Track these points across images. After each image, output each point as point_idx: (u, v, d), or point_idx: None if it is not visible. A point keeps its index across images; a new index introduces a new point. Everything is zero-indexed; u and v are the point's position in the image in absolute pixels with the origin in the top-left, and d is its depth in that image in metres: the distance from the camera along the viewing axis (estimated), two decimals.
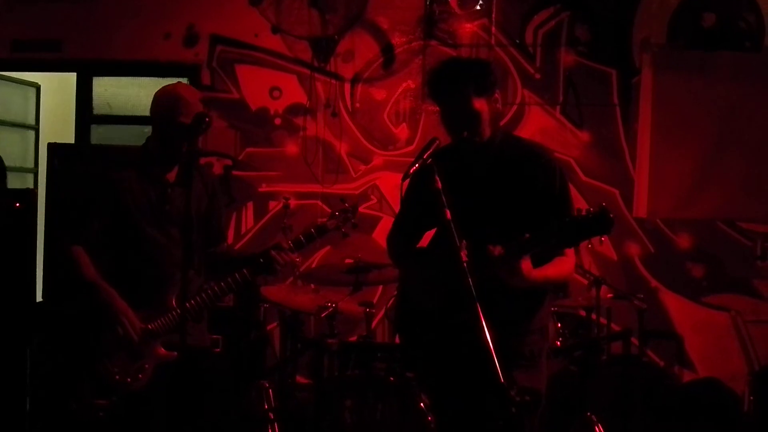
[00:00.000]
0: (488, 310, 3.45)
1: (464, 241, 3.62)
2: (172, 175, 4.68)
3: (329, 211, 7.57)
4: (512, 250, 3.64)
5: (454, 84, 3.98)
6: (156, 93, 4.71)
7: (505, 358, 3.38)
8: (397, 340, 5.81)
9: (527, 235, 3.64)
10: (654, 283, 7.48)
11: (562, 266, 3.95)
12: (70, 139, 8.26)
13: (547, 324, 4.21)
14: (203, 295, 4.62)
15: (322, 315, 5.87)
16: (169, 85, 4.75)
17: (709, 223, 7.43)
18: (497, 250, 3.64)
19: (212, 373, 4.89)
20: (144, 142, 4.82)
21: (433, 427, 5.16)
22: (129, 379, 4.52)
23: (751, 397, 6.76)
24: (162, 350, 4.54)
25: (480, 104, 3.93)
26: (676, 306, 7.48)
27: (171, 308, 4.56)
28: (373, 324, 6.41)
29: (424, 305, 4.02)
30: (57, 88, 9.41)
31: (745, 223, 7.43)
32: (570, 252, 3.96)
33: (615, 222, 3.47)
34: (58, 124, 9.13)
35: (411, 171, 3.74)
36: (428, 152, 3.80)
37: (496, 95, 4.01)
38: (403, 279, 4.44)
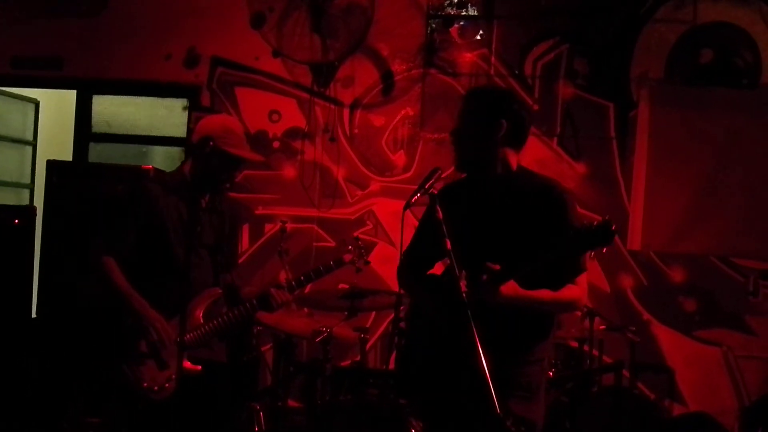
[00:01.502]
0: (488, 338, 3.47)
1: (464, 271, 3.65)
2: (205, 200, 4.82)
3: (325, 235, 7.65)
4: (511, 267, 3.67)
5: (478, 99, 4.09)
6: (203, 120, 4.85)
7: (502, 388, 3.40)
8: (391, 365, 5.87)
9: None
10: (646, 315, 7.50)
11: (564, 291, 3.90)
12: (68, 155, 8.28)
13: (548, 356, 4.20)
14: (230, 314, 4.77)
15: (317, 340, 5.87)
16: (218, 114, 4.95)
17: (703, 257, 7.46)
18: (495, 267, 3.68)
19: (226, 387, 5.06)
20: (179, 165, 4.94)
21: None
22: (156, 388, 4.57)
23: None
24: (188, 363, 4.59)
25: (503, 152, 4.00)
26: (667, 339, 7.49)
27: (200, 323, 4.70)
28: (367, 348, 6.44)
29: (426, 336, 4.05)
30: (56, 105, 9.42)
31: (739, 258, 7.45)
32: (582, 281, 3.95)
33: (617, 233, 3.52)
34: (56, 140, 9.14)
35: (412, 200, 3.81)
36: (430, 182, 3.85)
37: (512, 126, 4.00)
38: (413, 307, 4.49)
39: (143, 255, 4.67)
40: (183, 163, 4.91)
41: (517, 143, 4.03)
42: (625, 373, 6.74)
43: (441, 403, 3.97)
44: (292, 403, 6.90)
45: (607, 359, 6.85)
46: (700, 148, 7.42)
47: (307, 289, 7.49)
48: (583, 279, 3.98)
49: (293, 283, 5.00)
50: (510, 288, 3.69)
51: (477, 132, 4.00)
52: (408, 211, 4.01)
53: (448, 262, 4.01)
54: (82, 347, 5.86)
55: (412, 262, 4.40)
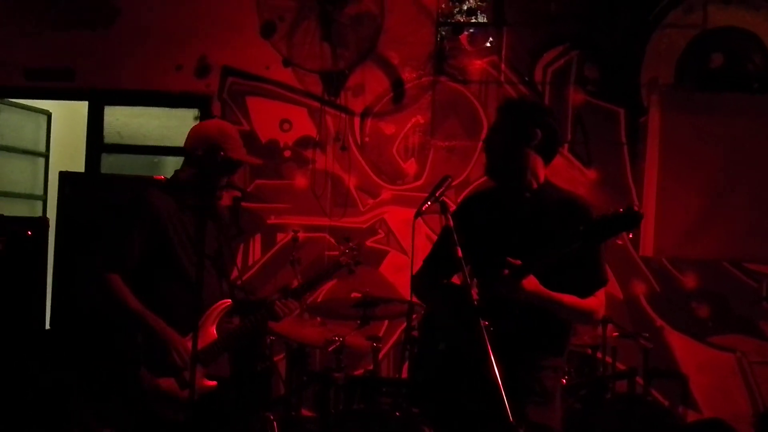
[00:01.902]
0: (502, 344, 3.49)
1: (475, 279, 3.66)
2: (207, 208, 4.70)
3: (336, 244, 7.64)
4: (532, 261, 3.71)
5: (514, 108, 4.14)
6: (199, 126, 4.80)
7: (517, 394, 3.42)
8: (404, 374, 5.86)
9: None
10: (659, 322, 7.48)
11: (583, 301, 3.93)
12: (80, 167, 8.31)
13: (563, 362, 4.20)
14: (242, 326, 4.74)
15: (330, 349, 5.88)
16: (211, 120, 4.88)
17: (715, 263, 7.44)
18: (516, 262, 3.71)
19: (230, 402, 4.94)
20: (173, 174, 4.84)
21: None
22: (174, 408, 4.51)
23: None
24: (206, 381, 4.57)
25: (533, 156, 4.03)
26: (681, 345, 7.47)
27: (214, 338, 4.62)
28: (380, 357, 6.43)
29: (438, 343, 4.06)
30: (68, 117, 9.46)
31: (751, 263, 7.43)
32: (600, 294, 3.98)
33: (642, 216, 3.55)
34: (68, 151, 9.17)
35: (423, 208, 3.83)
36: (440, 190, 3.87)
37: (545, 139, 4.05)
38: (425, 315, 4.50)
39: (148, 268, 4.56)
40: (179, 171, 4.80)
41: (547, 156, 4.09)
42: (639, 380, 6.72)
43: (453, 411, 3.97)
44: (305, 412, 6.89)
45: (620, 366, 6.82)
46: (711, 152, 7.40)
47: (319, 297, 7.58)
48: (601, 293, 4.02)
49: (296, 290, 4.90)
50: (531, 284, 3.73)
51: (511, 139, 4.04)
52: (420, 219, 4.02)
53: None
54: (97, 355, 5.81)
55: (430, 273, 4.39)
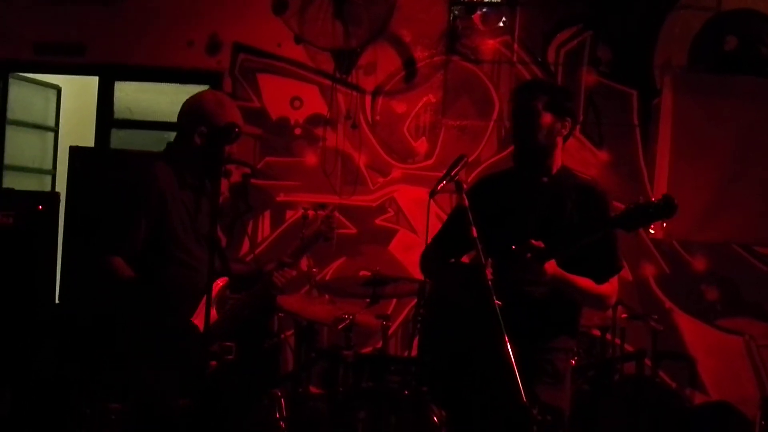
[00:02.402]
0: (515, 325, 3.49)
1: (490, 259, 3.66)
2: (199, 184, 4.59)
3: (346, 222, 7.65)
4: (556, 244, 3.74)
5: (530, 89, 4.21)
6: (192, 98, 4.66)
7: (529, 375, 3.43)
8: (414, 352, 5.85)
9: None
10: (668, 304, 7.48)
11: (599, 286, 4.00)
12: (89, 141, 8.29)
13: (573, 344, 4.24)
14: (241, 301, 4.66)
15: (339, 327, 5.87)
16: (203, 91, 4.74)
17: (725, 246, 7.43)
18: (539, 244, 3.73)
19: (236, 380, 4.90)
20: (166, 148, 4.65)
21: None
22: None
23: (763, 422, 6.75)
24: (213, 362, 4.46)
25: (545, 114, 4.04)
26: (689, 328, 7.47)
27: (216, 317, 4.49)
28: (388, 335, 6.43)
29: (449, 323, 4.06)
30: (78, 91, 9.43)
31: (761, 247, 7.43)
32: (614, 281, 4.06)
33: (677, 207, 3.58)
34: (78, 126, 9.15)
35: (438, 188, 3.82)
36: (456, 169, 3.86)
37: (567, 122, 4.10)
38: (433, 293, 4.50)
39: (152, 249, 4.40)
40: (171, 145, 4.63)
41: (565, 140, 4.16)
42: (647, 361, 6.71)
43: (465, 391, 3.98)
44: (313, 389, 6.90)
45: (628, 348, 6.82)
46: (724, 136, 7.38)
47: (328, 275, 7.57)
48: (615, 279, 4.10)
49: (288, 261, 4.76)
50: (552, 266, 3.77)
51: (548, 127, 4.07)
52: (432, 199, 4.01)
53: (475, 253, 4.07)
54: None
55: (439, 252, 4.39)
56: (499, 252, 3.77)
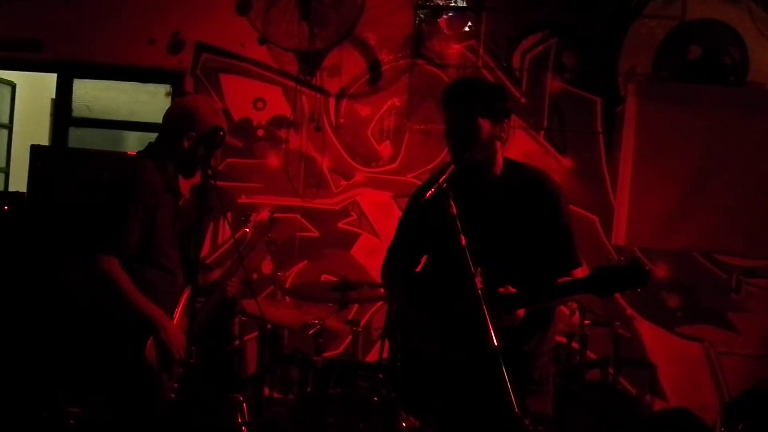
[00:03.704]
0: (503, 336, 3.45)
1: (479, 268, 3.61)
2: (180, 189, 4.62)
3: (309, 225, 7.60)
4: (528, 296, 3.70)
5: (464, 98, 3.97)
6: (177, 102, 4.64)
7: (515, 384, 3.38)
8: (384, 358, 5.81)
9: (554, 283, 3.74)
10: (630, 311, 7.53)
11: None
12: (44, 139, 8.16)
13: (554, 346, 4.23)
14: (205, 312, 4.66)
15: (310, 332, 5.82)
16: (189, 95, 4.72)
17: (686, 254, 7.50)
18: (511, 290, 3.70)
19: (197, 386, 4.82)
20: (145, 150, 4.59)
21: None
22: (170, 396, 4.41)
23: (723, 428, 6.82)
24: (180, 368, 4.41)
25: (483, 123, 3.92)
26: (650, 335, 7.54)
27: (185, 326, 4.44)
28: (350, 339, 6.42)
29: (429, 335, 4.02)
30: (32, 88, 9.28)
31: (722, 255, 7.50)
32: (585, 270, 3.98)
33: (650, 274, 3.51)
34: (32, 124, 9.02)
35: (427, 196, 3.71)
36: (444, 177, 3.78)
37: (504, 124, 3.99)
38: (400, 309, 4.44)
39: (137, 252, 4.36)
40: (161, 146, 4.57)
41: (493, 113, 3.99)
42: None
43: (454, 404, 3.95)
44: (275, 394, 6.85)
45: (590, 354, 6.85)
46: (687, 144, 7.43)
47: (288, 280, 7.50)
48: (578, 273, 4.00)
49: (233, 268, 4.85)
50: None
51: (485, 132, 3.95)
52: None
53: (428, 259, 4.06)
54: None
55: (399, 260, 4.31)
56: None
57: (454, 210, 3.67)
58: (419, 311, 4.12)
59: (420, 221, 4.14)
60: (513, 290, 3.71)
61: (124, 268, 4.30)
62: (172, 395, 4.38)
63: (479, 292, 3.51)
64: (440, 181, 3.74)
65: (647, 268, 3.51)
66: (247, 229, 5.29)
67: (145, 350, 4.32)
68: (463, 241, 3.60)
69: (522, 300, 3.70)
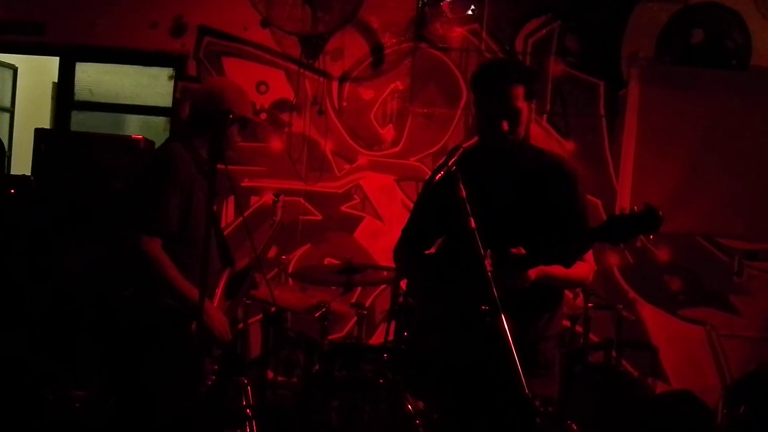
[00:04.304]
0: (507, 316, 3.44)
1: (488, 250, 3.62)
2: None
3: (312, 209, 7.60)
4: (539, 253, 3.69)
5: (506, 80, 3.95)
6: (205, 85, 4.68)
7: (522, 367, 3.39)
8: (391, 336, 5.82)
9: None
10: (632, 294, 7.55)
11: (577, 269, 3.98)
12: (46, 122, 8.15)
13: (561, 330, 4.24)
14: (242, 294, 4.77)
15: (316, 315, 5.84)
16: (222, 79, 4.76)
17: (689, 237, 7.50)
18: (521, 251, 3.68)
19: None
20: (175, 134, 4.73)
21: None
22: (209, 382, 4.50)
23: (725, 410, 6.86)
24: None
25: (524, 107, 3.94)
26: (652, 318, 7.56)
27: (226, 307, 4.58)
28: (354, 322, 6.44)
29: (441, 314, 4.03)
30: (34, 71, 9.27)
31: (724, 238, 7.52)
32: (590, 257, 4.02)
33: (663, 220, 3.46)
34: (34, 107, 9.01)
35: (437, 178, 3.70)
36: (453, 159, 3.77)
37: (533, 105, 4.05)
38: (413, 288, 4.45)
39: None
40: (187, 130, 4.68)
41: (532, 95, 4.03)
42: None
43: (462, 387, 3.96)
44: (280, 377, 6.86)
45: (593, 337, 6.88)
46: (689, 128, 7.46)
47: (291, 264, 7.52)
48: (590, 255, 4.05)
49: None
50: (538, 272, 3.74)
51: (525, 114, 3.98)
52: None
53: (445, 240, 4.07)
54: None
55: (412, 241, 4.34)
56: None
57: (464, 193, 3.65)
58: (433, 281, 4.14)
59: (432, 204, 4.16)
60: (524, 251, 3.70)
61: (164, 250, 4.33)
62: (213, 377, 4.43)
63: (488, 274, 3.51)
64: (449, 164, 3.74)
65: (660, 213, 3.51)
66: (277, 210, 5.28)
67: (191, 332, 4.32)
68: (473, 224, 3.59)
69: (533, 258, 3.70)
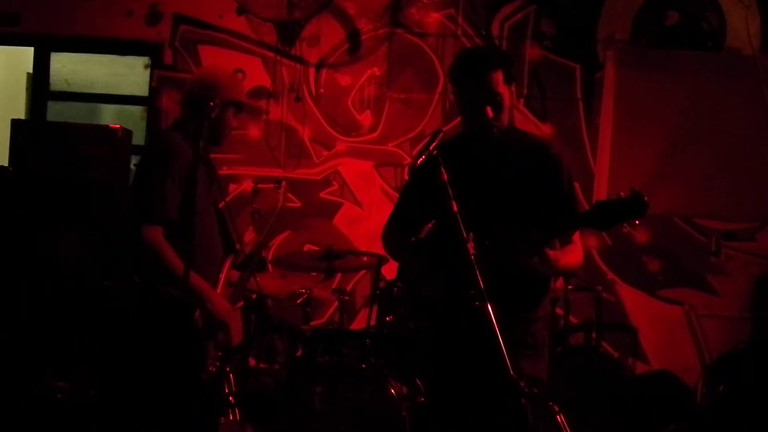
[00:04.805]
0: (494, 299, 3.47)
1: (471, 233, 3.64)
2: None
3: (290, 196, 7.58)
4: (541, 235, 3.70)
5: (485, 67, 3.99)
6: (196, 74, 4.74)
7: (510, 348, 3.41)
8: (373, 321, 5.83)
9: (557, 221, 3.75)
10: (610, 275, 7.58)
11: (577, 255, 4.08)
12: (20, 114, 8.11)
13: (549, 312, 4.28)
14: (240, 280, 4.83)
15: (298, 301, 5.85)
16: (213, 66, 4.82)
17: (666, 218, 7.54)
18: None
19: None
20: (171, 125, 4.76)
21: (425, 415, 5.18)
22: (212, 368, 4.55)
23: (704, 389, 6.93)
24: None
25: (505, 92, 3.98)
26: (631, 299, 7.60)
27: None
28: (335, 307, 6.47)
29: (428, 297, 4.05)
30: (7, 62, 9.19)
31: (701, 219, 7.57)
32: (577, 238, 4.05)
33: (648, 206, 3.54)
34: (7, 99, 8.94)
35: (418, 163, 3.71)
36: (434, 144, 3.79)
37: (512, 88, 4.07)
38: (403, 271, 4.47)
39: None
40: (183, 120, 4.69)
41: (511, 79, 4.07)
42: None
43: (448, 367, 3.99)
44: (262, 364, 6.86)
45: (573, 319, 6.93)
46: (665, 109, 7.50)
47: (270, 251, 7.52)
48: (577, 236, 4.10)
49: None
50: (558, 256, 3.83)
51: (508, 99, 4.02)
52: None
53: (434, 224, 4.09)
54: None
55: (400, 226, 4.37)
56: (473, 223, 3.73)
57: (445, 177, 3.67)
58: (421, 266, 4.16)
59: (416, 189, 4.20)
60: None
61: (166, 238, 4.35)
62: (218, 363, 4.46)
63: (472, 257, 3.54)
64: (430, 148, 3.75)
65: (646, 199, 3.53)
66: (279, 197, 5.33)
67: (195, 320, 4.38)
68: (455, 208, 3.61)
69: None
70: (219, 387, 4.72)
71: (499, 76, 3.95)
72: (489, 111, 3.94)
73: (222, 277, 4.61)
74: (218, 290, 4.56)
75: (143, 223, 4.36)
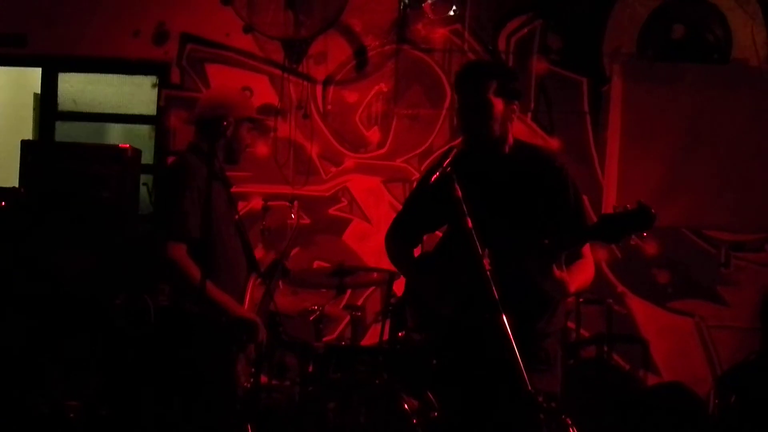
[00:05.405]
0: (508, 314, 3.47)
1: (487, 249, 3.64)
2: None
3: (300, 212, 7.58)
4: (550, 247, 3.71)
5: (477, 76, 4.07)
6: (205, 95, 4.77)
7: (524, 363, 3.41)
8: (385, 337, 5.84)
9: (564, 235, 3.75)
10: (621, 288, 7.59)
11: (589, 271, 4.09)
12: (27, 135, 8.13)
13: (563, 326, 4.28)
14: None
15: (311, 318, 5.86)
16: (221, 86, 4.88)
17: (675, 230, 7.55)
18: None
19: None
20: (191, 145, 4.76)
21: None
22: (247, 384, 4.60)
23: (716, 400, 6.92)
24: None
25: (497, 102, 3.99)
26: (641, 311, 7.60)
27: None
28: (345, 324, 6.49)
29: (439, 311, 4.06)
30: (15, 83, 9.22)
31: (710, 230, 7.58)
32: (588, 252, 4.06)
33: (655, 217, 3.53)
34: (15, 119, 8.97)
35: (432, 180, 3.72)
36: (447, 160, 3.80)
37: (514, 106, 4.08)
38: (410, 284, 4.48)
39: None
40: (197, 142, 4.71)
41: (506, 93, 4.09)
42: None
43: (464, 382, 3.99)
44: (274, 380, 6.86)
45: (584, 332, 6.93)
46: (672, 122, 7.53)
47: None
48: (588, 250, 4.12)
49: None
50: (570, 279, 3.82)
51: (498, 111, 4.02)
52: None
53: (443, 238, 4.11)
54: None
55: (401, 235, 4.42)
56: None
57: (459, 194, 3.68)
58: (433, 279, 4.17)
59: (424, 203, 4.22)
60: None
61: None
62: (252, 380, 4.49)
63: (488, 273, 3.54)
64: (444, 165, 3.76)
65: (653, 211, 3.55)
66: (293, 214, 5.37)
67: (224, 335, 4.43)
68: (470, 224, 3.62)
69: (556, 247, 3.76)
70: (254, 401, 4.74)
71: (490, 85, 3.99)
72: (473, 117, 4.02)
73: (248, 295, 4.63)
74: (245, 307, 4.62)
75: (166, 240, 4.40)
